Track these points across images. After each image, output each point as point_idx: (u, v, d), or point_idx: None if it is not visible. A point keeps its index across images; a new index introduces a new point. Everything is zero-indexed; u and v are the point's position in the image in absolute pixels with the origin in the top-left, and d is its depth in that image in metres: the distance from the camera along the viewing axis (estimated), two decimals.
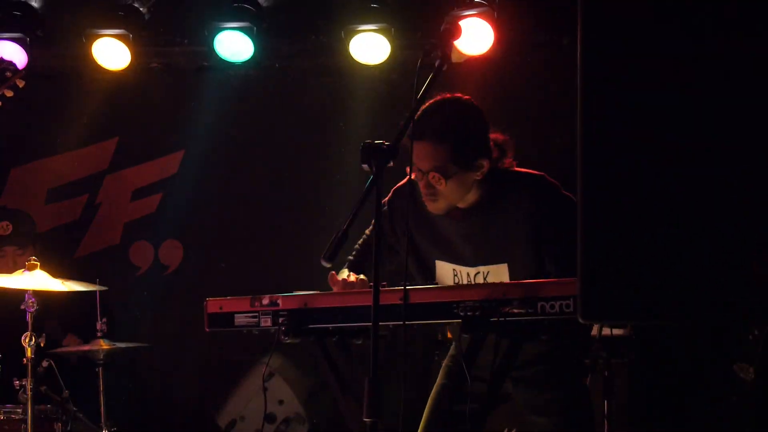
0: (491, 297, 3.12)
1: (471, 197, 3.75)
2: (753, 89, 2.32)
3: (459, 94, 3.77)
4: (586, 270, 2.37)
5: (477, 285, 3.36)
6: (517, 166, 3.83)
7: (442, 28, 3.27)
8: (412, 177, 3.64)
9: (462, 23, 5.81)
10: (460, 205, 3.77)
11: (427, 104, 3.67)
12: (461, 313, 3.14)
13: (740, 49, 2.33)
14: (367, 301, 3.10)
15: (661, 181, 2.36)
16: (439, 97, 3.73)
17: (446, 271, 3.84)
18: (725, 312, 2.36)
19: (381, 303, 2.93)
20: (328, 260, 2.98)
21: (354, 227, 3.04)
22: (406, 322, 3.15)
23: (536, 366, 3.75)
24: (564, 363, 3.80)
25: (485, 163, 3.68)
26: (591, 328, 4.23)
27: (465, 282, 3.75)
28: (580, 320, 2.31)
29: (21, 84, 3.92)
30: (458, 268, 3.81)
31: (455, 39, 3.35)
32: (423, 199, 3.75)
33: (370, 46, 6.30)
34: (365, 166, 3.02)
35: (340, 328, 3.57)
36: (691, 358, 3.82)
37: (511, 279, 3.62)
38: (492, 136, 3.77)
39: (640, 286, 2.34)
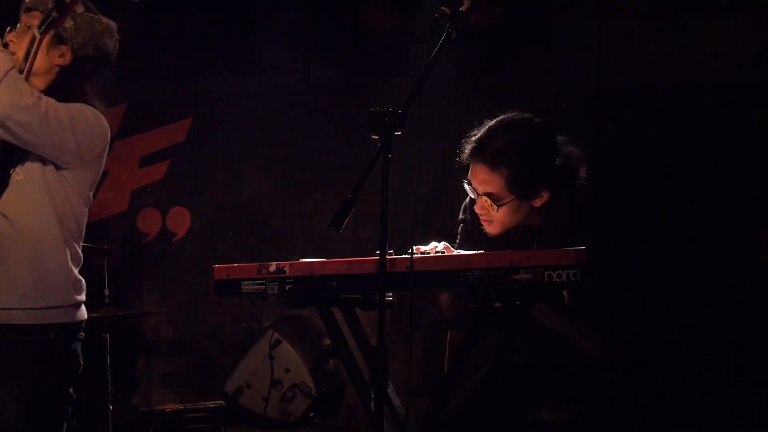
0: (498, 265, 3.10)
1: (533, 220, 3.59)
2: None
3: (530, 114, 3.57)
4: (594, 240, 2.37)
5: (484, 253, 3.34)
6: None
7: None
8: (472, 196, 3.58)
9: None
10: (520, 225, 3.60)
11: (494, 121, 3.55)
12: (468, 282, 3.12)
13: None
14: (374, 269, 3.09)
15: (669, 157, 2.35)
16: (507, 116, 3.56)
17: None
18: (729, 285, 2.36)
19: (388, 271, 2.92)
20: (336, 228, 2.97)
21: (361, 195, 3.03)
22: (413, 290, 3.14)
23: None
24: None
25: (545, 194, 3.50)
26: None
27: None
28: (587, 289, 2.29)
29: (80, 9, 3.39)
30: None
31: (463, 5, 3.31)
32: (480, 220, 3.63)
33: (378, 13, 6.27)
34: (373, 134, 3.00)
35: (347, 296, 3.56)
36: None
37: None
38: (566, 149, 3.54)
39: (646, 258, 2.34)
